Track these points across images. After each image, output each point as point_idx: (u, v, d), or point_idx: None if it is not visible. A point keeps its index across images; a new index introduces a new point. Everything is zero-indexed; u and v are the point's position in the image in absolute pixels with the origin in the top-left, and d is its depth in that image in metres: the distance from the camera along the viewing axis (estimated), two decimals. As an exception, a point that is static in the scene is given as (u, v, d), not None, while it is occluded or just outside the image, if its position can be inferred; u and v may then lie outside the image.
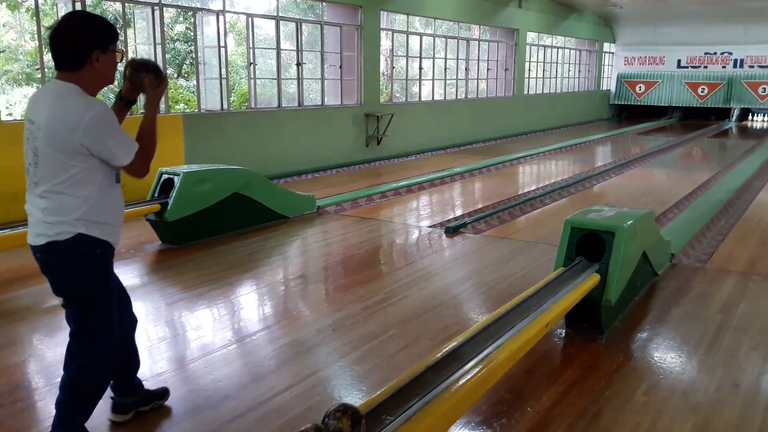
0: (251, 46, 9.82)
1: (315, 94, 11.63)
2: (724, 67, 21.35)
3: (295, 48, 10.65)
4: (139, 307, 4.24)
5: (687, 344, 3.64)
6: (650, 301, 4.33)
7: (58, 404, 2.47)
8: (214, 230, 5.91)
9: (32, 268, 2.64)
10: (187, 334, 3.83)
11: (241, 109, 11.25)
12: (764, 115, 21.48)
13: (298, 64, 10.51)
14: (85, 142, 2.29)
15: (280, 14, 10.24)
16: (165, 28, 9.21)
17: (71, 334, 2.50)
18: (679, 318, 4.04)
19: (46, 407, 2.86)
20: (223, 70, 9.25)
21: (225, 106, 9.33)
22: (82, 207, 2.35)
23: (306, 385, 3.11)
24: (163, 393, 2.93)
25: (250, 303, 4.45)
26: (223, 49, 9.22)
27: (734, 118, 21.28)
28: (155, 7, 8.15)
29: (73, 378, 2.45)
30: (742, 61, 21.08)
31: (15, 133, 3.98)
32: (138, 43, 9.09)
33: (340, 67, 11.27)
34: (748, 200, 7.90)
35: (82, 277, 2.42)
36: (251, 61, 9.78)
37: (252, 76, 9.88)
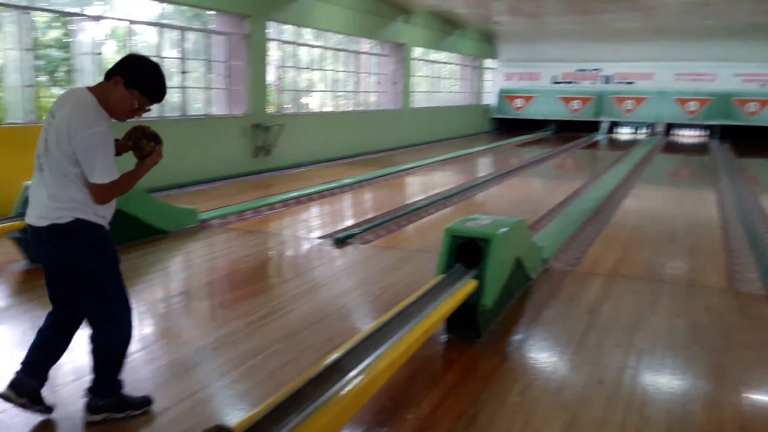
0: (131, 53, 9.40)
1: (200, 103, 11.33)
2: (594, 83, 22.96)
3: (179, 56, 10.33)
4: (4, 332, 3.97)
5: (558, 344, 3.86)
6: (524, 304, 4.56)
7: (93, 378, 2.84)
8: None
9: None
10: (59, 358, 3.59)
11: (46, 120, 10.73)
12: (629, 128, 23.26)
13: (183, 73, 10.20)
14: (76, 151, 2.57)
15: (164, 21, 9.91)
16: (37, 34, 8.64)
17: (86, 315, 2.81)
18: (551, 319, 4.28)
19: None
20: (100, 78, 8.79)
21: (101, 115, 8.86)
22: (79, 199, 2.64)
23: (183, 407, 3.00)
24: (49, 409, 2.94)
25: (145, 319, 4.22)
26: (100, 57, 8.78)
27: (603, 130, 22.89)
28: (24, 11, 7.64)
29: (99, 344, 2.80)
30: (610, 77, 22.77)
31: None
32: (6, 48, 8.46)
33: (228, 76, 11.05)
34: (614, 207, 8.51)
35: (84, 255, 2.70)
36: (130, 69, 9.36)
37: (131, 85, 9.45)
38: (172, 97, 11.06)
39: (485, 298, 3.79)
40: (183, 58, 10.26)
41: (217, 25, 11.02)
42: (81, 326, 2.90)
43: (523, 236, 4.73)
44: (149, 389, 3.19)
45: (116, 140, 2.80)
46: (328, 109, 14.36)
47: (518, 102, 23.65)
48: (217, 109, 11.14)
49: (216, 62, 10.99)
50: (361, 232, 6.64)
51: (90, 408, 2.87)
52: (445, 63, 20.50)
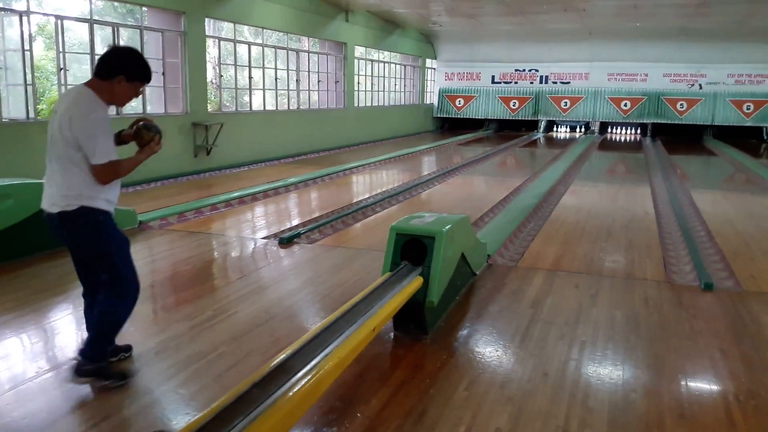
0: (61, 50, 9.05)
1: (135, 101, 10.99)
2: (532, 83, 23.49)
3: (111, 54, 9.99)
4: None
5: (503, 338, 3.92)
6: (470, 299, 4.61)
7: (89, 339, 3.11)
8: (18, 252, 5.34)
9: None
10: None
11: (50, 118, 10.32)
12: (566, 127, 23.91)
13: (116, 71, 9.87)
14: (77, 135, 2.85)
15: (95, 17, 9.56)
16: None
17: (101, 284, 3.10)
18: (496, 314, 4.34)
19: None
20: (29, 76, 8.44)
21: (32, 114, 8.51)
22: (84, 185, 2.92)
23: (125, 414, 2.90)
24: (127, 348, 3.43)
25: (65, 328, 4.07)
26: (28, 53, 8.41)
27: (542, 129, 23.45)
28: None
29: (104, 309, 3.09)
30: (546, 77, 23.33)
31: None
32: None
33: (163, 74, 10.76)
34: (553, 203, 8.71)
35: (92, 239, 3.01)
36: (62, 66, 9.01)
37: (63, 83, 9.10)
38: (107, 95, 10.71)
39: (431, 294, 3.81)
40: (118, 55, 9.93)
41: (151, 22, 10.71)
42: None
43: (466, 233, 4.78)
44: (90, 395, 3.07)
45: (120, 131, 3.20)
46: (270, 107, 14.17)
47: (459, 101, 23.96)
48: (154, 108, 10.84)
49: (151, 60, 10.67)
50: (306, 232, 6.58)
51: (78, 371, 3.07)
52: (387, 62, 20.57)
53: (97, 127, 2.89)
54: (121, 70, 2.99)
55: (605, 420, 2.94)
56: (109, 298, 3.13)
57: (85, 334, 3.29)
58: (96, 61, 3.05)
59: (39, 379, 3.25)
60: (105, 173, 2.93)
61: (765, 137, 21.18)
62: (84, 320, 3.37)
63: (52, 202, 2.97)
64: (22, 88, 8.40)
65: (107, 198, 3.03)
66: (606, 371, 3.47)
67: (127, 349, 3.47)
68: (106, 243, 3.06)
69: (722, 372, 3.50)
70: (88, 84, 2.99)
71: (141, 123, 3.19)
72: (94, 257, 3.09)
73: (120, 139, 3.18)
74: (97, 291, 3.20)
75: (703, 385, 3.40)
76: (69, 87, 3.13)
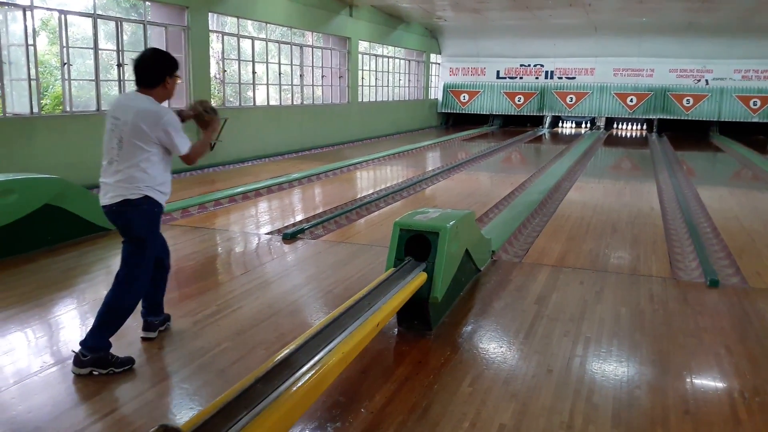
0: (65, 45, 9.05)
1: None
2: (537, 78, 23.40)
3: (115, 48, 9.99)
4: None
5: (507, 334, 3.90)
6: (474, 295, 4.59)
7: (98, 314, 3.29)
8: (22, 247, 5.35)
9: None
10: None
11: (54, 113, 10.33)
12: (572, 122, 23.84)
13: (120, 65, 9.87)
14: (159, 136, 3.27)
15: (99, 12, 9.56)
16: (-41, 22, 8.21)
17: (123, 261, 3.39)
18: (500, 310, 4.32)
19: None
20: (33, 71, 8.44)
21: (35, 109, 8.51)
22: (149, 179, 3.29)
23: (129, 408, 2.90)
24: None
25: (69, 323, 4.08)
26: (32, 48, 8.41)
27: (547, 125, 23.37)
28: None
29: (115, 292, 3.31)
30: (552, 72, 23.23)
31: None
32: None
33: (167, 69, 10.74)
34: (558, 199, 8.69)
35: (142, 226, 3.34)
36: (65, 61, 9.01)
37: (67, 77, 9.11)
38: (110, 90, 10.71)
39: (435, 290, 3.79)
40: (120, 50, 9.93)
41: (155, 17, 10.70)
42: (168, 269, 3.76)
43: (471, 229, 4.76)
44: (95, 390, 3.08)
45: (180, 111, 3.63)
46: (273, 102, 14.17)
47: (464, 97, 23.90)
48: (159, 103, 10.82)
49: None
50: (310, 227, 6.57)
51: (77, 361, 3.21)
52: (391, 57, 20.52)
53: (171, 125, 3.30)
54: (164, 73, 3.37)
55: (609, 416, 2.93)
56: (117, 289, 3.33)
57: (90, 327, 3.29)
58: (136, 73, 3.36)
59: (43, 374, 3.26)
60: (189, 158, 3.45)
61: (771, 133, 21.09)
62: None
63: (113, 194, 3.28)
64: (25, 82, 8.41)
65: (164, 191, 3.42)
66: (611, 368, 3.45)
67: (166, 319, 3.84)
68: (149, 232, 3.40)
69: (727, 369, 3.48)
70: (142, 92, 3.35)
71: (201, 105, 3.61)
72: (135, 242, 3.37)
73: (181, 118, 3.55)
74: (158, 266, 3.59)
75: (708, 381, 3.38)
76: (126, 92, 3.74)
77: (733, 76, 21.21)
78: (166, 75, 3.36)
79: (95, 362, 3.19)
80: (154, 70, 3.34)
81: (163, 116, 3.26)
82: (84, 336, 3.26)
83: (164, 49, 3.56)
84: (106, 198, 3.31)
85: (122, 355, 3.31)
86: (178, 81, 3.49)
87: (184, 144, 3.38)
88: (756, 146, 17.58)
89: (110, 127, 3.30)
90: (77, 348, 3.25)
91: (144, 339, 3.65)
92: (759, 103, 20.94)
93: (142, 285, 3.43)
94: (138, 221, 3.33)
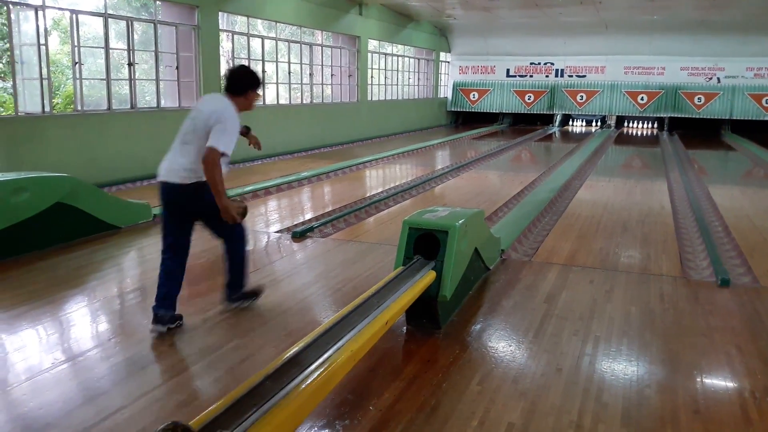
0: (76, 44, 9.11)
1: (150, 96, 11.05)
2: (547, 76, 23.30)
3: (126, 47, 10.04)
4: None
5: (516, 333, 3.89)
6: (483, 294, 4.59)
7: (230, 273, 4.07)
8: (34, 245, 5.40)
9: None
10: (9, 357, 3.47)
11: (66, 112, 10.40)
12: (582, 121, 23.73)
13: (130, 65, 9.92)
14: (211, 125, 3.60)
15: (109, 12, 9.62)
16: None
17: (218, 233, 3.98)
18: (509, 309, 4.32)
19: None
20: (45, 70, 8.50)
21: (47, 108, 8.58)
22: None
23: (139, 405, 2.92)
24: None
25: (80, 320, 4.11)
26: (43, 47, 8.47)
27: (557, 123, 23.28)
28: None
29: (231, 252, 4.05)
30: (562, 70, 23.13)
31: None
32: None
33: (177, 68, 10.80)
34: (568, 198, 8.65)
35: (203, 204, 3.72)
36: (77, 60, 9.07)
37: (78, 77, 9.17)
38: (121, 89, 10.77)
39: (444, 289, 3.79)
40: (131, 50, 9.98)
41: (165, 16, 10.75)
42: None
43: (480, 227, 4.76)
44: (105, 387, 3.10)
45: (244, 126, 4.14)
46: (283, 101, 14.19)
47: (473, 95, 23.84)
48: (168, 102, 10.88)
49: (165, 53, 10.72)
50: (319, 226, 6.58)
51: (229, 298, 4.07)
52: (401, 56, 20.51)
53: (232, 126, 3.69)
54: (249, 86, 3.87)
55: (619, 415, 2.92)
56: (235, 244, 4.03)
57: (100, 324, 3.31)
58: (227, 81, 3.86)
59: (55, 370, 3.28)
60: (211, 157, 3.57)
61: (784, 131, 20.91)
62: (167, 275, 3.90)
63: (173, 174, 3.69)
64: (37, 82, 8.47)
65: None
66: (620, 367, 3.44)
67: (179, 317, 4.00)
68: (212, 207, 3.72)
69: (738, 369, 3.46)
70: (227, 97, 3.81)
71: (245, 128, 4.27)
72: (211, 214, 3.75)
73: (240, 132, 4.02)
74: (182, 248, 3.95)
75: (718, 381, 3.36)
76: (215, 93, 4.07)
77: (745, 74, 21.02)
78: (249, 88, 3.86)
79: (241, 297, 4.11)
80: (242, 82, 3.85)
81: (232, 114, 3.71)
82: (226, 281, 4.09)
83: (248, 67, 4.07)
84: (167, 175, 3.72)
85: (132, 351, 3.34)
86: (258, 97, 3.99)
87: (224, 144, 3.61)
88: (768, 144, 17.44)
89: (192, 115, 3.78)
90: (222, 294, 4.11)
91: (154, 333, 3.72)
92: (771, 101, 20.75)
93: (247, 237, 4.12)
94: (203, 199, 3.71)
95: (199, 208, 3.78)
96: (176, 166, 3.69)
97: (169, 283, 3.83)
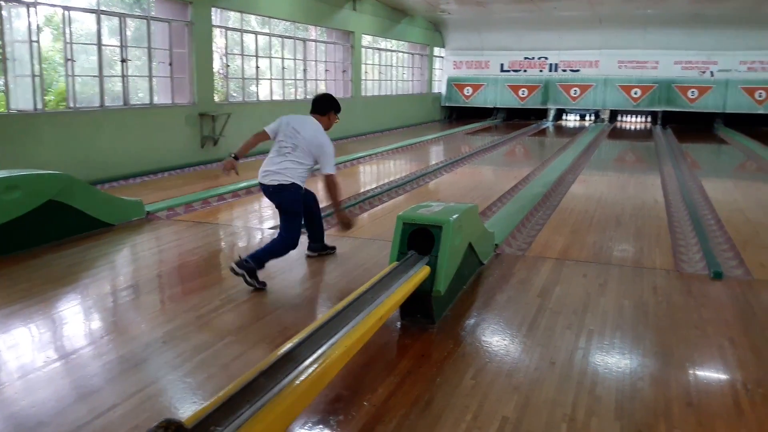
0: (68, 41, 9.06)
1: (143, 92, 11.00)
2: (541, 71, 23.28)
3: (119, 44, 9.99)
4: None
5: (510, 328, 3.90)
6: (477, 289, 4.59)
7: (259, 250, 4.61)
8: (26, 243, 5.38)
9: None
10: (1, 355, 3.47)
11: (58, 109, 10.35)
12: (576, 115, 23.75)
13: (123, 61, 9.88)
14: (317, 154, 4.74)
15: (102, 8, 9.56)
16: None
17: (282, 227, 4.78)
18: (503, 303, 4.33)
19: None
20: (37, 67, 8.45)
21: (39, 105, 8.53)
22: (298, 176, 4.68)
23: (132, 402, 2.92)
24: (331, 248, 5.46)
25: (73, 318, 4.10)
26: (35, 44, 8.42)
27: (551, 118, 23.29)
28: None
29: (276, 242, 4.69)
30: (556, 65, 23.12)
31: None
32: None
33: (170, 64, 10.76)
34: (562, 193, 8.67)
35: (294, 201, 4.71)
36: (69, 57, 9.02)
37: (70, 74, 9.12)
38: (114, 86, 10.72)
39: (438, 284, 3.79)
40: (123, 46, 9.93)
41: (158, 12, 10.70)
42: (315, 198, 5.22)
43: (474, 222, 4.76)
44: (98, 385, 3.10)
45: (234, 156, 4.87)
46: (277, 97, 14.15)
47: (467, 90, 23.83)
48: (161, 98, 10.84)
49: (158, 50, 10.67)
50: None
51: (239, 263, 4.43)
52: (395, 51, 20.47)
53: (331, 151, 4.79)
54: (331, 109, 4.94)
55: (612, 408, 2.93)
56: (282, 237, 4.70)
57: (93, 322, 3.31)
58: (314, 104, 4.92)
59: (47, 369, 3.28)
60: (331, 179, 4.76)
61: (777, 125, 20.98)
62: None
63: (273, 179, 4.65)
64: (29, 79, 8.42)
65: (303, 182, 4.77)
66: (613, 360, 3.45)
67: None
68: (298, 206, 4.77)
69: (731, 361, 3.48)
70: (315, 119, 4.86)
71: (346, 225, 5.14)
72: (289, 212, 4.72)
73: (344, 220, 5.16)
74: (307, 218, 5.11)
75: (711, 373, 3.38)
76: (302, 117, 4.94)
77: (739, 68, 21.07)
78: (332, 111, 4.92)
79: (248, 271, 4.40)
80: (327, 105, 4.91)
81: (327, 143, 4.77)
82: (253, 252, 4.57)
83: (330, 94, 5.14)
84: (267, 179, 4.67)
85: (125, 349, 3.32)
86: (336, 121, 5.01)
87: (333, 166, 4.76)
88: (761, 138, 17.46)
89: (290, 133, 4.72)
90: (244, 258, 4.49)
91: (308, 257, 5.25)
92: (764, 94, 20.79)
93: (297, 238, 4.78)
94: (290, 199, 4.68)
95: (278, 201, 4.73)
96: (271, 169, 4.66)
97: (308, 228, 5.24)
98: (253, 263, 4.43)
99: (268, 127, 4.88)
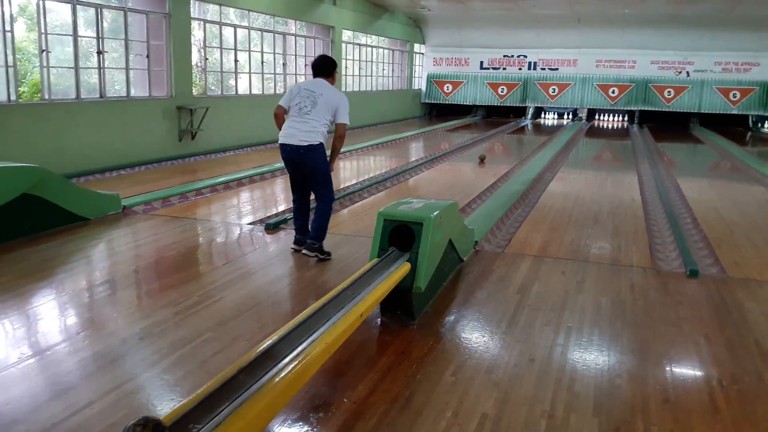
0: (43, 31, 8.89)
1: (120, 85, 10.85)
2: (520, 69, 23.40)
3: (95, 35, 9.83)
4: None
5: (489, 324, 3.92)
6: (457, 285, 4.61)
7: (315, 229, 5.09)
8: None
9: None
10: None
11: (32, 101, 10.16)
12: (554, 113, 23.93)
13: (100, 53, 9.72)
14: (336, 107, 5.02)
15: (77, -2, 9.39)
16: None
17: (317, 190, 5.13)
18: (483, 300, 4.34)
19: None
20: (10, 58, 8.28)
21: (13, 96, 8.36)
22: (321, 134, 4.98)
23: (109, 400, 2.87)
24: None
25: (48, 314, 4.02)
26: (9, 34, 8.24)
27: (529, 116, 23.44)
28: None
29: (320, 208, 5.09)
30: (535, 63, 23.26)
31: None
32: None
33: (148, 56, 10.61)
34: (540, 190, 8.73)
35: (323, 162, 5.02)
36: (44, 48, 8.85)
37: (45, 65, 8.95)
38: (90, 78, 10.55)
39: (419, 280, 3.79)
40: (100, 37, 9.77)
41: (136, 3, 10.54)
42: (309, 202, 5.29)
43: (454, 219, 4.77)
44: (74, 381, 3.04)
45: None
46: (256, 91, 14.04)
47: (447, 87, 23.87)
48: (138, 91, 10.70)
49: (135, 42, 10.52)
50: (293, 217, 6.52)
51: (309, 247, 5.06)
52: (375, 47, 20.43)
53: (347, 104, 5.10)
54: (334, 69, 5.22)
55: (591, 405, 2.95)
56: (325, 204, 5.06)
57: (69, 318, 3.25)
58: (317, 69, 5.19)
59: (22, 365, 3.21)
60: (344, 131, 5.07)
61: (751, 125, 21.33)
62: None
63: (300, 139, 4.90)
64: (2, 69, 8.24)
65: (326, 141, 5.03)
66: (592, 357, 3.48)
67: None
68: (327, 165, 5.07)
69: (706, 357, 3.53)
70: (326, 80, 5.15)
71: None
72: (321, 173, 5.02)
73: None
74: (305, 199, 5.29)
75: (687, 370, 3.43)
76: (315, 80, 5.24)
77: (714, 68, 21.39)
78: (334, 71, 5.20)
79: (318, 250, 5.02)
80: (329, 67, 5.18)
81: (342, 98, 5.08)
82: (313, 233, 5.08)
83: (327, 55, 5.47)
84: (294, 141, 4.91)
85: (101, 345, 3.27)
86: (338, 76, 5.06)
87: (348, 117, 5.08)
88: (735, 138, 17.78)
89: (305, 94, 4.98)
90: (307, 239, 5.13)
91: (294, 251, 5.30)
92: (738, 95, 21.15)
93: (333, 198, 5.24)
94: (320, 160, 4.97)
95: (306, 166, 4.96)
96: (297, 131, 4.89)
97: (300, 217, 5.28)
98: (318, 242, 5.01)
99: (281, 101, 5.12)
